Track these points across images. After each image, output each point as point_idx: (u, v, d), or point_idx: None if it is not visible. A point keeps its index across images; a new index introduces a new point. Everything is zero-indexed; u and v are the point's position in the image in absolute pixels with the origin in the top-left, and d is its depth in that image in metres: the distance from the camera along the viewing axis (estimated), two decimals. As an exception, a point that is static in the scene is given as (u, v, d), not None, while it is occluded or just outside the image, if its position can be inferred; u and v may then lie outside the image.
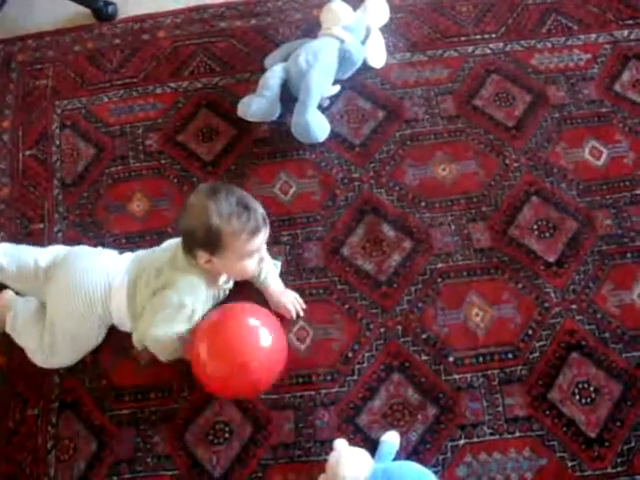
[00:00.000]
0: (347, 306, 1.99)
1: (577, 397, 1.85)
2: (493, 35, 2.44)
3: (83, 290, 1.83)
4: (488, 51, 2.41)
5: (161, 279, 1.81)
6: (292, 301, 1.97)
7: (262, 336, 1.74)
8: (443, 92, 2.33)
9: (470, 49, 2.41)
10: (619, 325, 1.94)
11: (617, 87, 2.33)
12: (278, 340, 1.78)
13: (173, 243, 1.91)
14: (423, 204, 2.13)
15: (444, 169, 2.19)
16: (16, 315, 1.90)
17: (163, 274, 1.82)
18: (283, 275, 2.02)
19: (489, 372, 1.89)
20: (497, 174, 2.18)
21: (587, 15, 2.49)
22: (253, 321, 1.77)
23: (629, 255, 2.04)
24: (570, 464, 1.77)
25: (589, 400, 1.85)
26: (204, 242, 1.73)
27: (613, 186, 2.15)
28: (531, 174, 2.17)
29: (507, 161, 2.20)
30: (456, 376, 1.88)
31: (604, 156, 2.20)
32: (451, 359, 1.91)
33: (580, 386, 1.86)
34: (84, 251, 1.99)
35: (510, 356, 1.91)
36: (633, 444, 1.79)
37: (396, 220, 2.11)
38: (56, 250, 1.98)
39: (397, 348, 1.93)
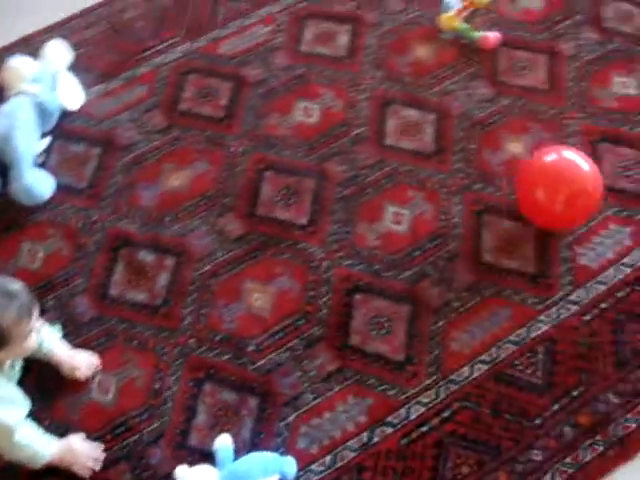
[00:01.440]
0: (136, 342, 1.94)
1: (374, 332, 1.94)
2: (176, 39, 2.48)
3: None
4: (176, 56, 2.44)
5: None
6: (85, 361, 1.90)
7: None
8: (149, 108, 2.33)
9: (158, 60, 2.43)
10: (384, 255, 2.05)
11: (304, 47, 2.46)
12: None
13: None
14: (168, 219, 2.12)
15: (176, 179, 2.20)
16: None
17: None
18: (64, 337, 1.93)
19: (289, 344, 1.93)
20: (226, 165, 2.22)
21: (254, -8, 2.60)
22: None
23: (369, 190, 2.16)
24: (392, 392, 1.86)
25: (385, 330, 1.95)
26: None
27: (333, 135, 2.26)
28: (257, 152, 2.23)
29: (231, 149, 2.24)
30: (261, 361, 1.90)
31: (316, 112, 2.31)
32: (251, 348, 1.92)
33: (373, 321, 1.96)
34: None
35: (302, 322, 1.96)
36: (437, 351, 1.91)
37: (149, 244, 2.09)
38: None
39: (198, 360, 1.91)
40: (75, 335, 1.96)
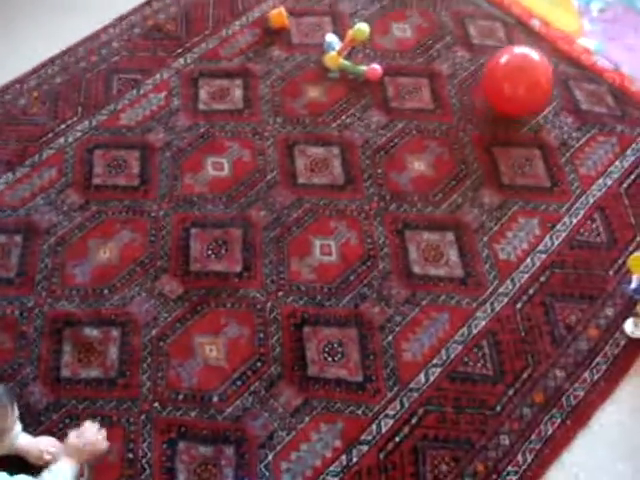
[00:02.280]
0: (99, 418, 1.91)
1: (330, 359, 2.02)
2: (75, 118, 2.50)
3: None
4: (79, 134, 2.46)
5: None
6: (50, 443, 1.87)
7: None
8: (62, 188, 2.33)
9: (62, 140, 2.45)
10: (322, 285, 2.15)
11: (202, 106, 2.55)
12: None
13: None
14: (106, 291, 2.13)
15: (105, 252, 2.21)
16: None
17: None
18: (24, 430, 1.88)
19: (252, 388, 1.98)
20: (151, 230, 2.26)
21: (142, 62, 2.67)
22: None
23: (294, 228, 2.26)
24: (359, 412, 1.95)
25: (339, 356, 2.03)
26: None
27: (248, 184, 2.35)
28: (178, 212, 2.29)
29: (153, 214, 2.29)
30: (229, 409, 1.94)
31: (227, 165, 2.40)
32: (215, 399, 1.96)
33: (326, 349, 2.04)
34: None
35: (259, 364, 2.01)
36: (391, 365, 2.02)
37: (92, 319, 2.08)
38: None
39: (166, 422, 1.92)
40: (35, 425, 1.92)
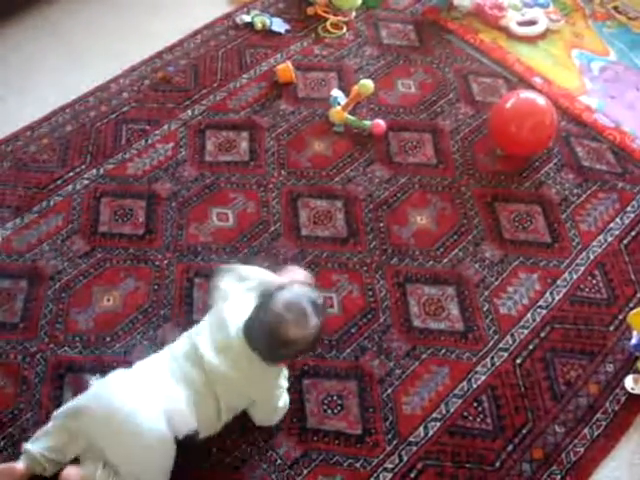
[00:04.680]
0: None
1: (329, 411, 2.02)
2: (83, 167, 2.55)
3: (153, 431, 1.76)
4: (87, 182, 2.51)
5: (253, 397, 1.89)
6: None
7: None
8: (69, 235, 2.37)
9: (70, 188, 2.49)
10: (323, 337, 2.15)
11: (208, 157, 2.59)
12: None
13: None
14: (108, 339, 2.15)
15: (108, 299, 2.23)
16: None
17: (254, 392, 1.89)
18: None
19: (250, 439, 1.97)
20: (154, 279, 2.28)
21: (151, 113, 2.73)
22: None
23: (297, 279, 2.28)
24: (358, 465, 1.94)
25: (339, 408, 2.03)
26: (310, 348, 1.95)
27: (252, 235, 2.39)
28: (182, 262, 2.32)
29: (157, 263, 2.31)
30: (227, 460, 1.94)
31: (231, 216, 2.43)
32: (214, 450, 1.95)
33: (326, 402, 2.04)
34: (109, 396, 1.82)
35: (258, 416, 2.02)
36: (391, 418, 2.01)
37: (93, 366, 2.09)
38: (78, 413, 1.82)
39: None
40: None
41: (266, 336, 1.77)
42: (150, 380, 1.84)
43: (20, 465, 1.83)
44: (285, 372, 2.01)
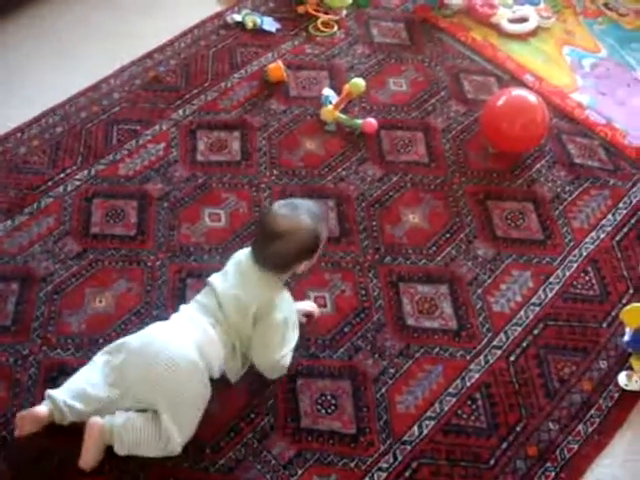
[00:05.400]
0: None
1: (323, 411, 2.02)
2: (74, 168, 2.54)
3: (185, 363, 1.86)
4: (78, 183, 2.50)
5: (254, 307, 1.92)
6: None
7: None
8: (60, 236, 2.35)
9: (61, 189, 2.48)
10: (316, 337, 2.16)
11: (200, 157, 2.59)
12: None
13: (232, 279, 1.99)
14: (101, 341, 2.13)
15: (101, 301, 2.22)
16: (121, 435, 1.84)
17: (255, 302, 1.92)
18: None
19: (244, 440, 1.97)
20: (147, 279, 2.27)
21: (142, 113, 2.72)
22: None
23: (289, 280, 2.27)
24: (353, 465, 1.94)
25: (333, 407, 2.03)
26: (311, 250, 1.93)
27: (244, 235, 2.39)
28: (174, 263, 2.31)
29: (149, 264, 2.30)
30: (222, 461, 1.93)
31: (223, 216, 2.43)
32: (208, 450, 1.94)
33: (320, 401, 2.04)
34: (149, 342, 1.93)
35: (252, 415, 2.01)
36: (385, 417, 2.02)
37: (86, 368, 2.09)
38: (115, 360, 1.94)
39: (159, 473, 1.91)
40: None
41: (259, 231, 1.96)
42: (182, 321, 1.97)
43: (44, 409, 1.89)
44: (292, 306, 2.03)
